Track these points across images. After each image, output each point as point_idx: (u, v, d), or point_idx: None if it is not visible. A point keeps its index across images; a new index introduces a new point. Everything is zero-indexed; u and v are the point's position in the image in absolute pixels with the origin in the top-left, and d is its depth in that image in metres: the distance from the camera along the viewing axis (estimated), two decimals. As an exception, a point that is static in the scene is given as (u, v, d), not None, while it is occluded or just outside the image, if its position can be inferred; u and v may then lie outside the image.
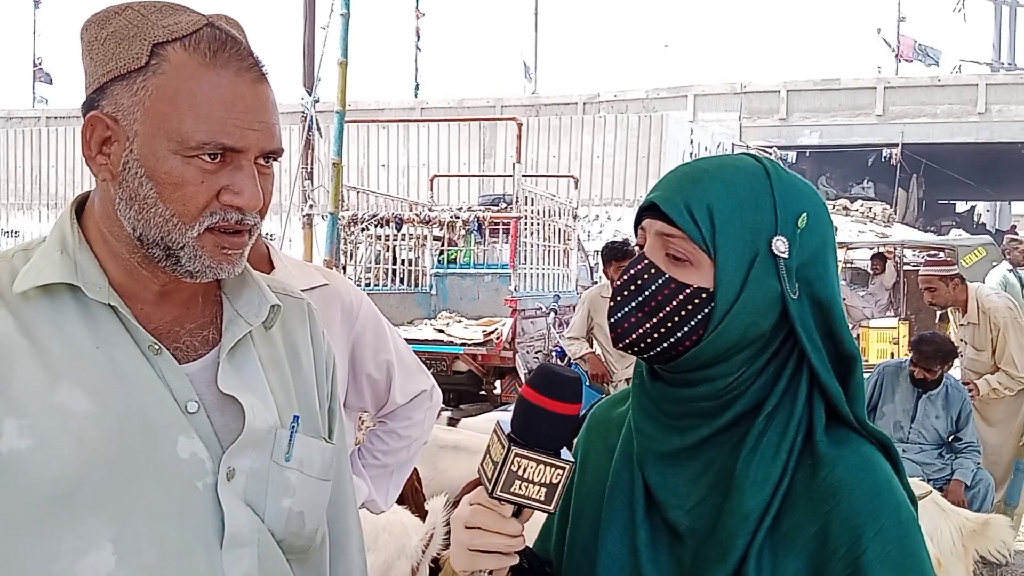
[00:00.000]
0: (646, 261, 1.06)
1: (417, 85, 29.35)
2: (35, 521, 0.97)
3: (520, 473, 0.98)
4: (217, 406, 1.07)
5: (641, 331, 1.05)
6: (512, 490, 0.99)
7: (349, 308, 2.11)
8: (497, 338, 7.14)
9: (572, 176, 11.58)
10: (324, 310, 1.98)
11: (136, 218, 1.03)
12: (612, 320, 1.08)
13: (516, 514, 1.02)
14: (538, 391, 1.00)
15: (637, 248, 1.10)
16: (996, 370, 5.46)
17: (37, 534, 0.97)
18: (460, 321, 7.79)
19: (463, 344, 7.17)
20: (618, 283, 1.09)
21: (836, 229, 1.14)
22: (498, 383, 7.50)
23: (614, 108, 25.43)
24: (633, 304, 1.06)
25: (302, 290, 1.95)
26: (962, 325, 5.63)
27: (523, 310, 7.53)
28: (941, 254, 12.91)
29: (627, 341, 1.07)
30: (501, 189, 11.69)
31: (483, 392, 7.55)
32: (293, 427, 1.12)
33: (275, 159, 1.08)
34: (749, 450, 1.03)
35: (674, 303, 1.03)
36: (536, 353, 7.61)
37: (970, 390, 5.28)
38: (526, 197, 8.31)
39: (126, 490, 1.00)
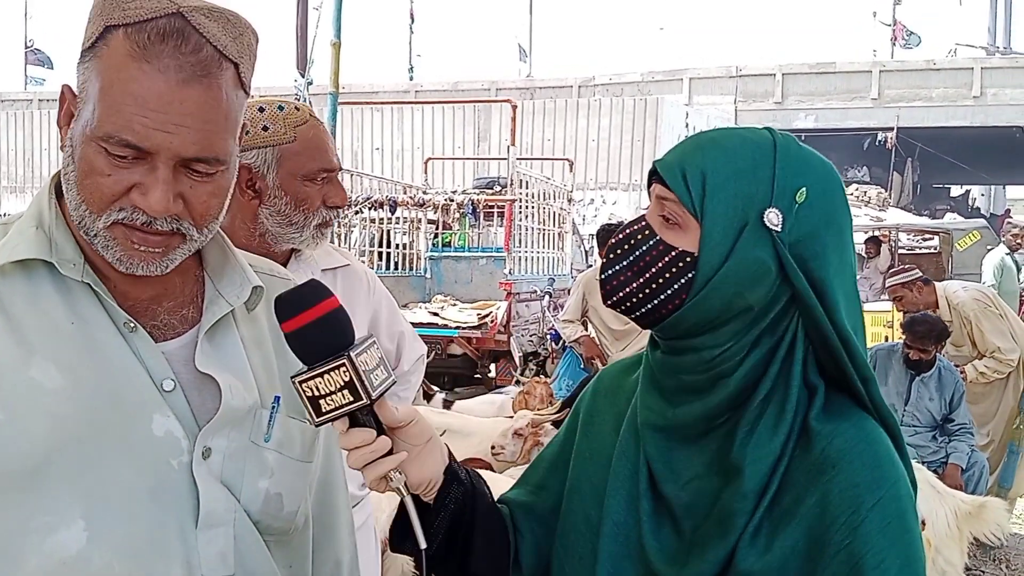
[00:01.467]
0: (643, 223, 1.08)
1: (411, 67, 29.18)
2: (4, 496, 0.97)
3: (316, 394, 1.01)
4: (195, 385, 1.07)
5: (628, 290, 1.07)
6: (324, 410, 1.02)
7: (368, 285, 2.20)
8: (491, 321, 7.14)
9: (567, 159, 11.55)
10: (351, 288, 2.08)
11: (67, 197, 1.03)
12: (603, 276, 1.10)
13: (362, 423, 1.04)
14: (288, 319, 1.03)
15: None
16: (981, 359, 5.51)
17: (6, 509, 0.97)
18: (455, 304, 7.79)
19: (458, 327, 7.18)
20: (613, 241, 1.10)
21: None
22: (492, 366, 7.52)
23: (609, 91, 25.33)
24: (624, 263, 1.08)
25: (327, 269, 2.02)
26: None
27: (518, 293, 7.53)
28: (933, 236, 12.96)
29: (614, 299, 1.09)
30: (496, 172, 11.66)
31: (478, 375, 7.56)
32: (274, 408, 1.11)
33: (214, 167, 1.02)
34: (745, 434, 1.03)
35: (659, 265, 1.05)
36: (531, 336, 7.61)
37: (961, 373, 5.30)
38: (521, 180, 8.29)
39: (98, 467, 1.00)
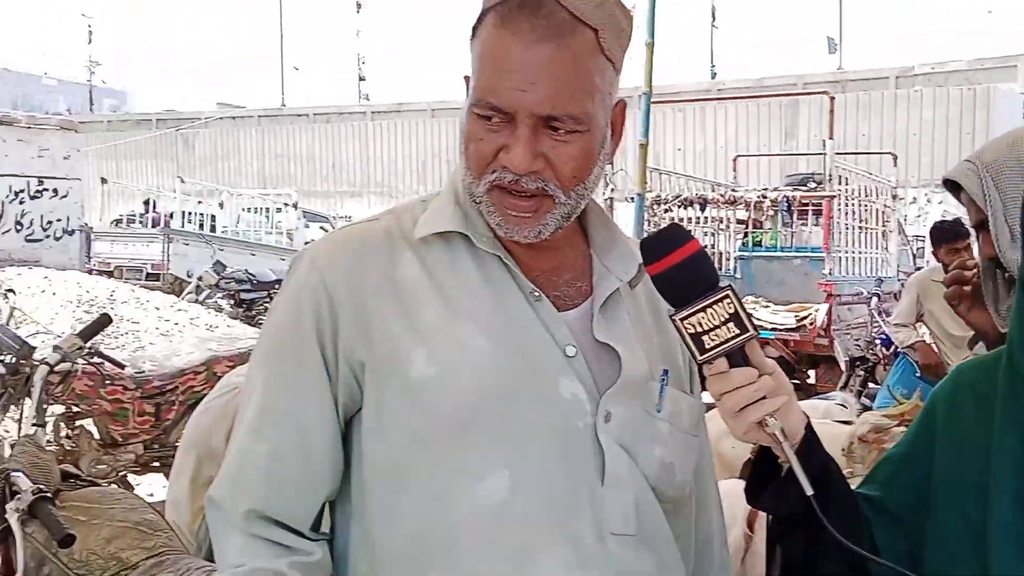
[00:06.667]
0: None
1: (713, 66, 28.72)
2: (441, 441, 1.06)
3: (699, 330, 1.00)
4: (592, 353, 1.12)
5: None
6: (708, 346, 1.00)
7: None
8: (811, 324, 6.84)
9: (891, 153, 10.80)
10: None
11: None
12: None
13: (739, 362, 1.01)
14: (655, 261, 1.03)
15: None
16: None
17: (441, 456, 1.06)
18: (767, 306, 7.57)
19: (773, 329, 6.96)
20: None
21: None
22: (812, 372, 7.18)
23: (931, 81, 23.30)
24: None
25: None
26: None
27: (839, 295, 7.13)
28: None
29: None
30: (804, 168, 11.17)
31: (796, 380, 7.24)
32: (663, 380, 1.14)
33: (571, 126, 1.05)
34: None
35: None
36: (856, 340, 7.16)
37: None
38: (839, 176, 7.86)
39: (517, 423, 1.07)
